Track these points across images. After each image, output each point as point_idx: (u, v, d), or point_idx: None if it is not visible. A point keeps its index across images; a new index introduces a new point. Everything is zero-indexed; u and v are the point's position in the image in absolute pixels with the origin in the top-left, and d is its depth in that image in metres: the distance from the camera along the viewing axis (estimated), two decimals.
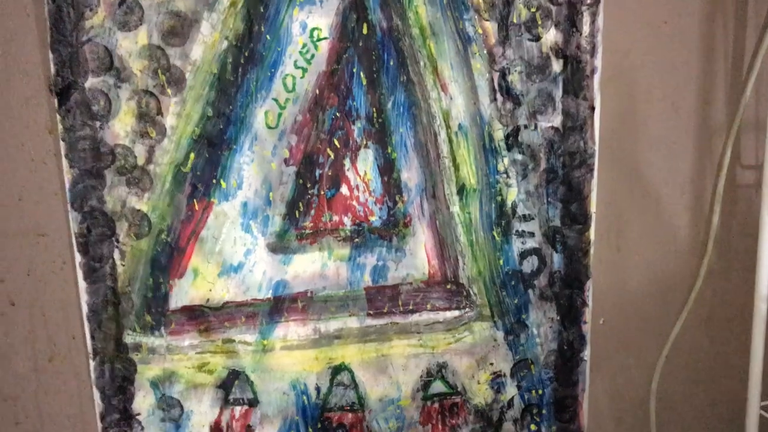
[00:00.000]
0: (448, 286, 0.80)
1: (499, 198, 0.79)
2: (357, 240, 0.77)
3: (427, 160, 0.77)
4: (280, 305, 0.77)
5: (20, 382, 0.75)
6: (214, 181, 0.73)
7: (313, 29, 0.71)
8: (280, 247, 0.76)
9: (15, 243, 0.72)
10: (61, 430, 0.77)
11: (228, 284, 0.75)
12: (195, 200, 0.73)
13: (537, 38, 0.75)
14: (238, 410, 0.78)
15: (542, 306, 0.82)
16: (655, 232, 0.85)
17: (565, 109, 0.77)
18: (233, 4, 0.69)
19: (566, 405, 0.84)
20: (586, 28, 0.76)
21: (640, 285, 0.86)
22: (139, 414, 0.76)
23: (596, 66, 0.76)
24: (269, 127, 0.73)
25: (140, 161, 0.71)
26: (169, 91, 0.70)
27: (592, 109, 0.77)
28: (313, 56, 0.72)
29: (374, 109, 0.75)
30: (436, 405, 0.82)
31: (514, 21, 0.75)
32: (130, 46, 0.69)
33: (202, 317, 0.76)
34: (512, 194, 0.79)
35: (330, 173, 0.75)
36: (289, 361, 0.78)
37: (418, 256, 0.79)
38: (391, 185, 0.77)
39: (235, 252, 0.75)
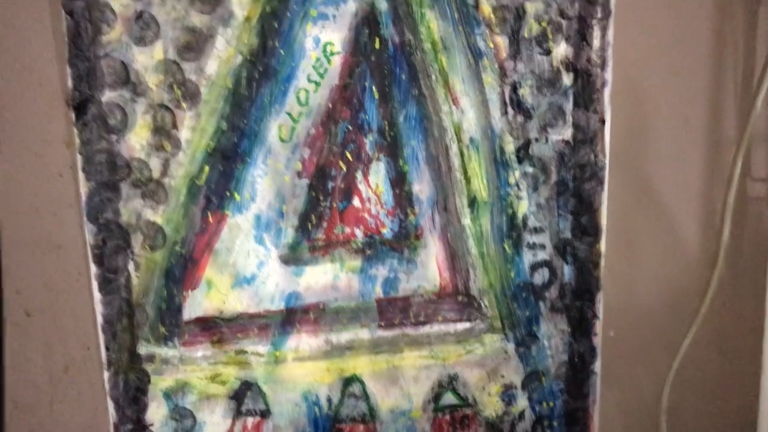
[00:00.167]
0: (459, 298, 0.80)
1: (510, 210, 0.79)
2: (369, 252, 0.78)
3: (439, 172, 0.77)
4: (292, 316, 0.77)
5: (35, 392, 0.76)
6: (228, 193, 0.74)
7: (326, 44, 0.72)
8: (292, 258, 0.76)
9: (32, 254, 0.73)
10: None
11: (241, 296, 0.76)
12: (209, 213, 0.74)
13: (548, 52, 0.76)
14: (250, 421, 0.79)
15: (553, 318, 0.82)
16: (665, 244, 0.85)
17: (575, 122, 0.78)
18: (248, 20, 0.70)
19: (577, 417, 0.84)
20: (596, 42, 0.76)
21: (651, 297, 0.86)
22: (152, 424, 0.77)
23: (607, 79, 0.77)
24: (282, 141, 0.74)
25: (155, 174, 0.72)
26: (184, 105, 0.71)
27: (603, 122, 0.78)
28: (326, 70, 0.73)
29: (386, 123, 0.75)
30: (447, 417, 0.82)
31: (525, 35, 0.75)
32: (146, 60, 0.70)
33: (215, 328, 0.76)
34: (523, 207, 0.79)
35: (342, 186, 0.76)
36: (300, 373, 0.79)
37: (430, 268, 0.79)
38: (403, 198, 0.77)
39: (248, 264, 0.75)
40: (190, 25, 0.70)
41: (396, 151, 0.76)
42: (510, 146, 0.78)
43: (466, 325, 0.81)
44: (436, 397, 0.82)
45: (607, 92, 0.77)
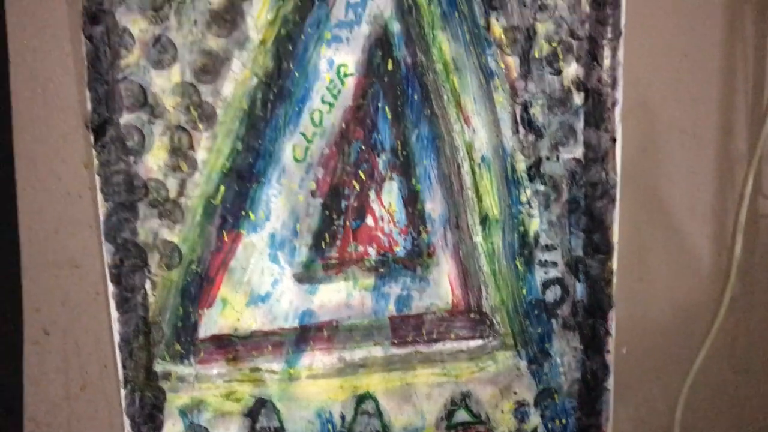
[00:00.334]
0: (472, 316, 0.81)
1: (521, 228, 0.80)
2: (382, 270, 0.78)
3: (451, 191, 0.78)
4: (306, 334, 0.78)
5: (53, 410, 0.77)
6: (243, 213, 0.75)
7: (340, 66, 0.73)
8: (306, 277, 0.77)
9: (51, 274, 0.74)
10: None
11: (255, 314, 0.77)
12: (224, 232, 0.75)
13: (558, 72, 0.77)
14: None
15: (565, 335, 0.82)
16: (677, 261, 0.85)
17: (586, 140, 0.79)
18: (263, 43, 0.72)
19: None
20: (607, 62, 0.77)
21: (663, 314, 0.86)
22: None
23: (617, 98, 0.78)
24: (297, 161, 0.75)
25: (172, 194, 0.73)
26: (200, 126, 0.72)
27: (614, 140, 0.78)
28: (339, 92, 0.74)
29: (399, 142, 0.76)
30: None
31: (536, 55, 0.76)
32: (163, 83, 0.71)
33: (230, 346, 0.77)
34: (535, 224, 0.80)
35: (355, 205, 0.77)
36: (314, 390, 0.79)
37: (442, 286, 0.80)
38: (415, 216, 0.78)
39: (262, 282, 0.76)
40: (207, 48, 0.71)
41: (408, 170, 0.77)
42: (521, 164, 0.78)
43: (479, 342, 0.81)
44: (449, 415, 0.82)
45: (617, 111, 0.78)
